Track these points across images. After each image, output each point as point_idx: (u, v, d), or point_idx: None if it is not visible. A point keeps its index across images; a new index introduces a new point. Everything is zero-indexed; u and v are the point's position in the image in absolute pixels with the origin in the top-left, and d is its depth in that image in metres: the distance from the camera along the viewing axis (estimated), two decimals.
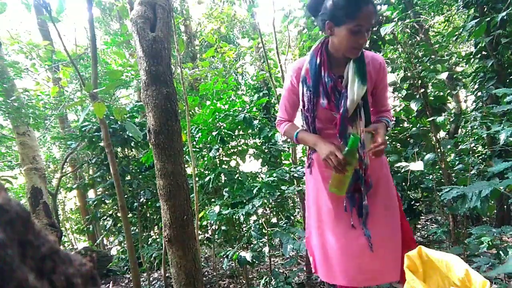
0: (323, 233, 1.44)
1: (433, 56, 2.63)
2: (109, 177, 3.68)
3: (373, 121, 1.42)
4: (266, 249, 2.46)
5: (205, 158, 3.07)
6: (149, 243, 3.70)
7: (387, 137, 1.65)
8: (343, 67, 1.31)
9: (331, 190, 1.31)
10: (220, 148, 3.08)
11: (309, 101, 1.36)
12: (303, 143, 1.45)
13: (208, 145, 3.11)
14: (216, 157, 3.05)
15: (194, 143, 3.03)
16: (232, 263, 2.67)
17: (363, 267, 1.34)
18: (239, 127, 3.11)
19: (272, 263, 3.33)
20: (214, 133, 2.86)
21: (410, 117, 2.74)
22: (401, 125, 2.82)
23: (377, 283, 1.39)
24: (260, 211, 2.80)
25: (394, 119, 2.75)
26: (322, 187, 1.44)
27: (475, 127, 2.56)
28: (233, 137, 3.13)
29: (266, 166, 4.10)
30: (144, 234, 3.91)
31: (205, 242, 3.13)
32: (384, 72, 1.38)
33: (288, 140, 4.53)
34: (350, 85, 1.28)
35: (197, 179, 2.70)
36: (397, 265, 1.32)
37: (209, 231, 3.05)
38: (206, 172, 3.10)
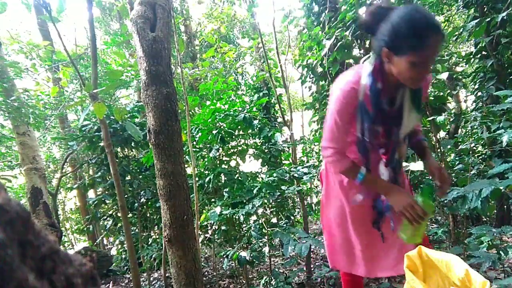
0: (346, 229, 1.46)
1: None
2: (109, 177, 3.68)
3: (414, 142, 1.38)
4: (266, 249, 2.46)
5: (206, 158, 3.07)
6: (149, 243, 3.71)
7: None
8: (395, 90, 1.19)
9: (401, 237, 1.22)
10: (220, 148, 3.08)
11: (369, 130, 1.20)
12: (368, 185, 1.30)
13: (208, 145, 3.11)
14: (216, 157, 3.05)
15: (194, 143, 3.03)
16: (232, 263, 2.67)
17: (385, 263, 1.41)
18: (239, 127, 3.11)
19: (272, 263, 3.34)
20: (214, 132, 2.86)
21: None
22: None
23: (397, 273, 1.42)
24: (260, 211, 2.80)
25: None
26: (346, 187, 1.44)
27: (475, 127, 2.56)
28: (233, 137, 3.13)
29: (266, 166, 4.11)
30: (144, 234, 3.91)
31: (205, 242, 3.13)
32: (428, 88, 1.32)
33: (288, 140, 4.53)
34: (406, 114, 1.18)
35: (197, 179, 2.70)
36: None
37: (209, 231, 3.05)
38: (206, 172, 3.10)
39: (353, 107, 1.21)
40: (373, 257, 1.43)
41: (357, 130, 1.25)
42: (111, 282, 4.08)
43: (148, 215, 3.93)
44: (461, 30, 3.09)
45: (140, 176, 3.77)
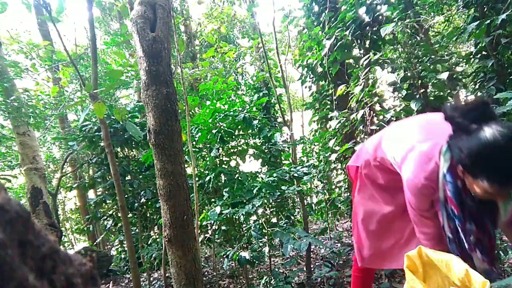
0: (379, 227, 1.48)
1: (433, 56, 2.63)
2: (109, 177, 3.68)
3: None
4: (266, 249, 2.46)
5: (206, 158, 3.07)
6: (149, 243, 3.71)
7: None
8: None
9: None
10: (220, 148, 3.08)
11: (462, 231, 1.10)
12: None
13: (208, 145, 3.11)
14: (217, 157, 3.05)
15: (194, 143, 3.03)
16: (232, 263, 2.67)
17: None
18: (239, 127, 3.11)
19: (272, 263, 3.33)
20: (214, 132, 2.86)
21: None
22: None
23: None
24: (260, 211, 2.80)
25: None
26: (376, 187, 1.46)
27: None
28: (233, 137, 3.13)
29: (266, 166, 4.11)
30: (144, 234, 3.91)
31: (205, 242, 3.13)
32: None
33: (288, 140, 4.52)
34: (502, 209, 1.07)
35: (197, 179, 2.70)
36: None
37: (209, 231, 3.05)
38: (206, 172, 3.10)
39: (431, 199, 1.15)
40: (402, 245, 1.45)
41: (445, 230, 1.15)
42: (111, 282, 4.08)
43: (148, 215, 3.93)
44: (461, 31, 3.09)
45: (140, 176, 3.78)
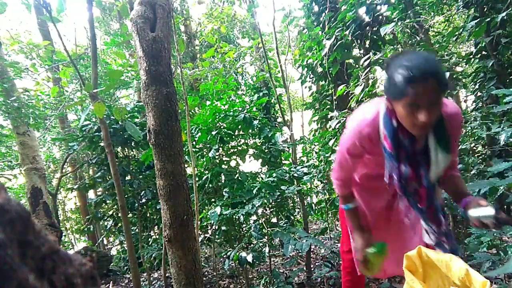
0: (377, 232, 1.44)
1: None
2: (110, 177, 3.68)
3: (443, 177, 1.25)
4: (266, 249, 2.46)
5: (205, 158, 3.07)
6: (149, 243, 3.71)
7: None
8: None
9: (360, 269, 1.36)
10: (220, 148, 3.07)
11: (396, 170, 1.16)
12: (347, 217, 1.41)
13: (208, 145, 3.11)
14: (216, 157, 3.05)
15: (194, 143, 3.03)
16: (232, 263, 2.68)
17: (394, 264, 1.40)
18: (239, 127, 3.11)
19: (272, 263, 3.34)
20: (213, 133, 2.86)
21: None
22: None
23: None
24: (260, 211, 2.80)
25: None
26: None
27: (475, 127, 2.56)
28: (233, 137, 3.13)
29: (266, 166, 4.11)
30: (144, 234, 3.91)
31: (205, 242, 3.13)
32: (459, 127, 1.19)
33: (288, 140, 4.52)
34: (434, 157, 1.12)
35: (197, 179, 2.70)
36: None
37: (209, 231, 3.05)
38: (206, 172, 3.10)
39: (365, 147, 1.20)
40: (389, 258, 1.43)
41: (385, 175, 1.21)
42: (111, 282, 4.08)
43: (148, 215, 3.93)
44: (461, 30, 3.09)
45: (140, 176, 3.77)
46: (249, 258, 2.17)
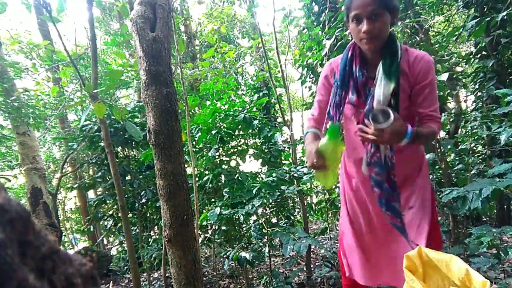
0: (359, 234, 1.44)
1: (433, 56, 2.62)
2: (110, 177, 3.68)
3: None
4: (266, 249, 2.46)
5: (204, 158, 3.07)
6: (149, 243, 3.71)
7: None
8: (372, 61, 1.26)
9: (317, 181, 1.34)
10: (220, 148, 3.07)
11: (334, 95, 1.29)
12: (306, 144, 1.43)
13: (208, 145, 3.11)
14: (216, 157, 3.04)
15: (194, 143, 3.03)
16: (232, 263, 2.68)
17: (385, 273, 1.39)
18: (239, 127, 3.11)
19: (272, 263, 3.34)
20: (213, 132, 2.86)
21: None
22: None
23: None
24: (260, 211, 2.80)
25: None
26: (355, 197, 1.44)
27: (475, 127, 2.56)
28: (233, 137, 3.13)
29: (266, 166, 4.10)
30: (144, 234, 3.91)
31: (205, 242, 3.13)
32: (428, 73, 1.22)
33: (288, 140, 4.52)
34: (378, 83, 1.21)
35: (197, 179, 2.70)
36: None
37: (209, 231, 3.05)
38: (206, 172, 3.10)
39: (326, 85, 1.38)
40: (373, 264, 1.41)
41: (329, 105, 1.34)
42: (111, 282, 4.08)
43: (148, 215, 3.93)
44: (461, 30, 3.09)
45: (140, 176, 3.77)
46: (247, 255, 2.17)
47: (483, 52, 3.22)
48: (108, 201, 3.77)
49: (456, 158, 3.07)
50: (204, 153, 3.18)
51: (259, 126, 3.11)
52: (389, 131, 1.08)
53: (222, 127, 2.96)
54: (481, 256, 1.95)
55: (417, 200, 1.31)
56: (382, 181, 1.25)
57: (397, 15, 1.22)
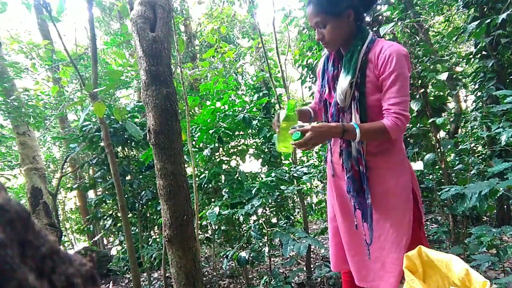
0: (332, 218, 1.55)
1: (433, 56, 2.63)
2: (110, 177, 3.68)
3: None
4: (266, 249, 2.46)
5: (199, 156, 3.06)
6: (149, 243, 3.70)
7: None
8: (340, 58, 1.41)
9: (276, 147, 1.47)
10: (220, 148, 3.07)
11: (317, 87, 1.51)
12: None
13: (207, 145, 3.11)
14: (216, 157, 3.04)
15: (194, 143, 3.03)
16: (232, 263, 2.68)
17: (362, 268, 1.41)
18: (239, 127, 3.11)
19: (272, 263, 3.34)
20: (211, 131, 2.86)
21: (410, 117, 2.74)
22: None
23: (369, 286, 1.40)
24: (259, 211, 2.79)
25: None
26: (333, 183, 1.51)
27: (475, 127, 2.56)
28: (233, 136, 3.13)
29: (266, 166, 4.11)
30: (144, 234, 3.91)
31: (205, 242, 3.13)
32: (388, 64, 1.21)
33: None
34: (340, 76, 1.33)
35: (197, 179, 2.70)
36: (394, 280, 1.30)
37: (209, 231, 3.05)
38: (206, 172, 3.10)
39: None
40: (357, 262, 1.42)
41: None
42: (111, 282, 4.08)
43: (148, 215, 3.93)
44: (461, 31, 3.09)
45: (140, 176, 3.77)
46: (247, 255, 2.17)
47: (483, 52, 3.21)
48: (108, 201, 3.77)
49: (456, 158, 3.08)
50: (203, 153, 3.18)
51: (259, 126, 3.11)
52: (309, 137, 1.20)
53: (221, 127, 2.96)
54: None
55: (388, 223, 1.32)
56: (351, 170, 1.36)
57: (350, 13, 1.25)
